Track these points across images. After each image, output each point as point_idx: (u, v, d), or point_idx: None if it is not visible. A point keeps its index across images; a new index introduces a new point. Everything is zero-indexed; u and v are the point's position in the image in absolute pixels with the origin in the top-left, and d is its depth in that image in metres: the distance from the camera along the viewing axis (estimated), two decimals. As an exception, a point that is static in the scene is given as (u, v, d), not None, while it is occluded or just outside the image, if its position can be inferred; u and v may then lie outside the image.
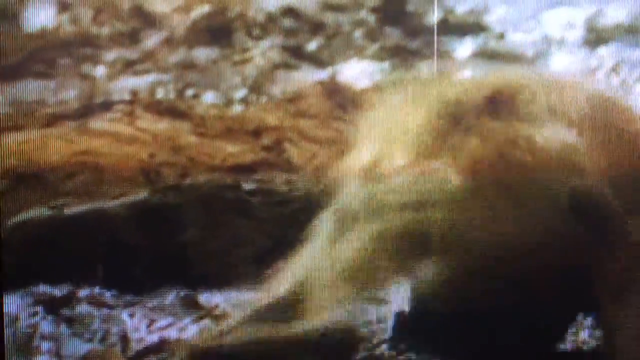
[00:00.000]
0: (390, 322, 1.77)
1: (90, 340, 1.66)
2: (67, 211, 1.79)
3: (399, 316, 1.72)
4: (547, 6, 2.24)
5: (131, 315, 1.71)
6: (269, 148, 1.97)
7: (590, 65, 2.28)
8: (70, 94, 1.91)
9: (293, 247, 1.74)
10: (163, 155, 1.88)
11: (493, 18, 2.27)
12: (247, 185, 1.92)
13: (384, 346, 1.74)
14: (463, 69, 2.24)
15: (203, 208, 1.87)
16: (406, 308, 1.77)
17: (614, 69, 2.25)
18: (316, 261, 1.62)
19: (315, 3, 2.05)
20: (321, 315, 1.58)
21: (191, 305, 1.77)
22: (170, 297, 1.78)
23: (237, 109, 2.01)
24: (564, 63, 2.27)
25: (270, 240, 1.87)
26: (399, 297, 1.78)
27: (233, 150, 1.95)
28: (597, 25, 2.31)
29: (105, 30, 1.93)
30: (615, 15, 2.34)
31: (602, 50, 2.31)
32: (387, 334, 1.74)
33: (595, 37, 2.29)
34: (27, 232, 1.74)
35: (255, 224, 1.88)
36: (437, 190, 1.48)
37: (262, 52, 2.02)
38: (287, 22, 2.05)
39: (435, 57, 1.88)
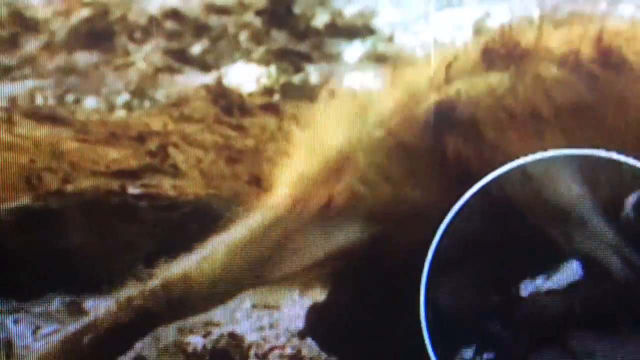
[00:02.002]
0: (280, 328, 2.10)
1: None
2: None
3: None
4: (435, 8, 2.60)
5: (16, 322, 2.01)
6: (154, 153, 2.29)
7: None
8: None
9: (181, 252, 2.06)
10: (44, 161, 2.19)
11: (382, 20, 2.67)
12: (133, 190, 2.23)
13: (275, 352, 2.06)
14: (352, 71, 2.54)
15: (87, 213, 2.19)
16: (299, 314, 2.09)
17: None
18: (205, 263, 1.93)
19: (199, 5, 2.35)
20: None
21: (77, 312, 2.08)
22: (55, 303, 2.08)
23: (119, 114, 2.31)
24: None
25: (158, 245, 2.19)
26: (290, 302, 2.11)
27: (116, 156, 2.26)
28: (485, 26, 2.66)
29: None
30: (502, 17, 2.62)
31: None
32: (279, 340, 2.06)
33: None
34: None
35: (142, 228, 2.21)
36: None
37: (145, 55, 2.33)
38: (170, 25, 2.36)
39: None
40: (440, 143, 1.72)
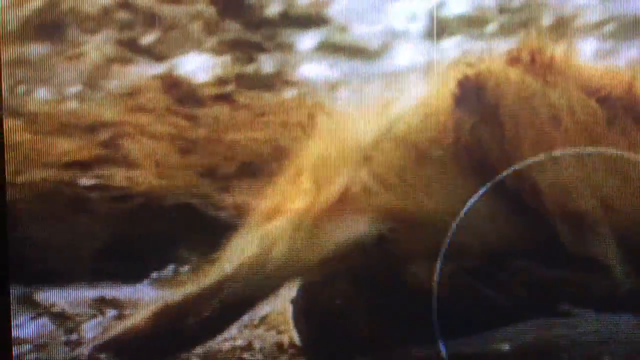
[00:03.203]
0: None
1: None
2: None
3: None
4: None
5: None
6: (106, 144, 2.31)
7: (434, 58, 2.66)
8: None
9: (135, 243, 2.09)
10: (-5, 153, 2.21)
11: (336, 10, 2.68)
12: (85, 182, 2.26)
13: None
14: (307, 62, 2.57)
15: (39, 205, 2.20)
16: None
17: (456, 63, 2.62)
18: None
19: None
20: None
21: (27, 303, 2.11)
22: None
23: (71, 105, 2.32)
24: (407, 56, 2.68)
25: (111, 237, 2.22)
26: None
27: (68, 147, 2.28)
28: (440, 17, 2.73)
29: None
30: (458, 7, 2.77)
31: (446, 43, 2.71)
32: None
33: (438, 29, 2.70)
34: None
35: (95, 220, 2.23)
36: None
37: (96, 46, 2.34)
38: (122, 15, 2.37)
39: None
40: (459, 126, 1.73)
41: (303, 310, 2.00)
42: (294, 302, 2.06)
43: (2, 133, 2.31)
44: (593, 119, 1.63)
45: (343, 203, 1.91)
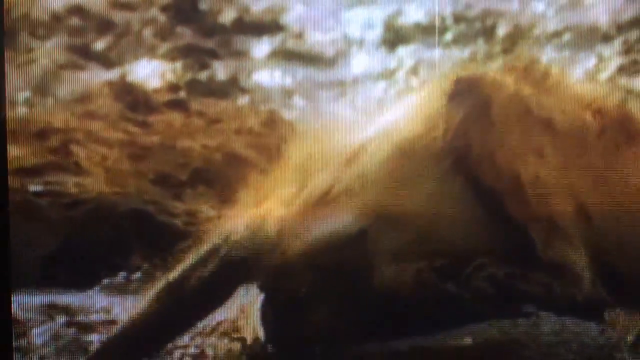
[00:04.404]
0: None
1: None
2: None
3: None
4: (346, 5, 2.68)
5: None
6: (55, 150, 2.31)
7: (390, 65, 2.68)
8: None
9: (85, 250, 2.10)
10: (-58, 159, 2.21)
11: (291, 17, 2.71)
12: (34, 188, 2.27)
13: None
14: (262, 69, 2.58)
15: (-14, 211, 2.21)
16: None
17: (413, 70, 2.64)
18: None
19: (103, 1, 2.38)
20: None
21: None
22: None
23: (20, 111, 2.32)
24: (363, 63, 2.70)
25: (61, 243, 2.23)
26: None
27: (17, 154, 2.28)
28: (396, 25, 2.76)
29: None
30: (413, 15, 2.80)
31: (401, 51, 2.75)
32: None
33: (394, 37, 2.73)
34: None
35: (45, 226, 2.24)
36: None
37: (47, 52, 2.35)
38: (74, 21, 2.38)
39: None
40: (449, 123, 1.75)
41: (268, 305, 2.02)
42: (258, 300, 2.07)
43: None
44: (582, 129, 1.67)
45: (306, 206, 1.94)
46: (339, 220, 1.83)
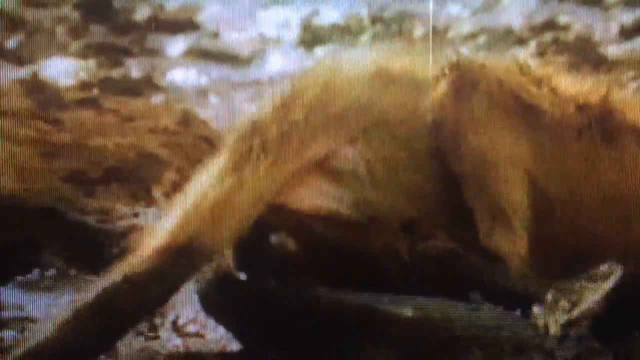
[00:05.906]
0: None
1: None
2: None
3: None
4: (262, 5, 2.69)
5: None
6: (-36, 148, 2.31)
7: (307, 65, 2.74)
8: None
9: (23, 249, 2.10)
10: None
11: (206, 16, 2.75)
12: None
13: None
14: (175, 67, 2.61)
15: None
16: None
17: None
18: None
19: None
20: None
21: None
22: None
23: None
24: (280, 63, 2.75)
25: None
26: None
27: None
28: (313, 25, 2.82)
29: None
30: (330, 15, 2.87)
31: (319, 51, 2.81)
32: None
33: (311, 37, 2.79)
34: None
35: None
36: None
37: (-44, 49, 2.36)
38: (-17, 18, 2.39)
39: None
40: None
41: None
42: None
43: None
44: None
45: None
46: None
